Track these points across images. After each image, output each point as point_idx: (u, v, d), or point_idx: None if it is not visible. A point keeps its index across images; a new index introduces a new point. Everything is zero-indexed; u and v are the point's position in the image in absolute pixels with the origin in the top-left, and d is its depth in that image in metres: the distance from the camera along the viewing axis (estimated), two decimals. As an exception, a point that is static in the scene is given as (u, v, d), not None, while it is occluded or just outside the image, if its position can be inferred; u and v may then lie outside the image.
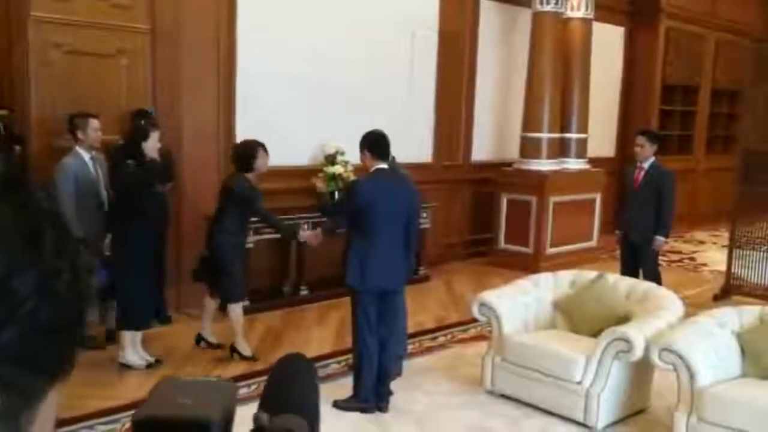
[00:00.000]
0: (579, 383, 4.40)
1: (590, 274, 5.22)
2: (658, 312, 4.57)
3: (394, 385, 4.94)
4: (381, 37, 7.98)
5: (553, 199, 8.68)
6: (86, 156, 5.43)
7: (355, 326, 4.56)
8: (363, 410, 4.52)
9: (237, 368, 5.26)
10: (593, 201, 9.35)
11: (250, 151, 5.34)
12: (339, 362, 5.44)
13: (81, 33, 5.86)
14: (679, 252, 10.19)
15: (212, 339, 5.64)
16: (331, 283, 7.38)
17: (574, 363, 4.42)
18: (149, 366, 5.17)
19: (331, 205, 5.06)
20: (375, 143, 4.52)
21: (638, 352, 4.21)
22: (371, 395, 4.54)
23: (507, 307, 4.89)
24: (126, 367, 5.12)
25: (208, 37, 6.58)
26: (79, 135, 5.37)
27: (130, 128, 5.49)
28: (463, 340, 6.04)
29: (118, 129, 6.08)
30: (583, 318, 4.90)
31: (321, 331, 6.21)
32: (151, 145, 5.08)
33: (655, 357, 4.10)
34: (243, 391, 4.81)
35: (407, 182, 4.85)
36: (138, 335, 5.23)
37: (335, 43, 7.53)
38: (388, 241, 4.46)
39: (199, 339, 5.62)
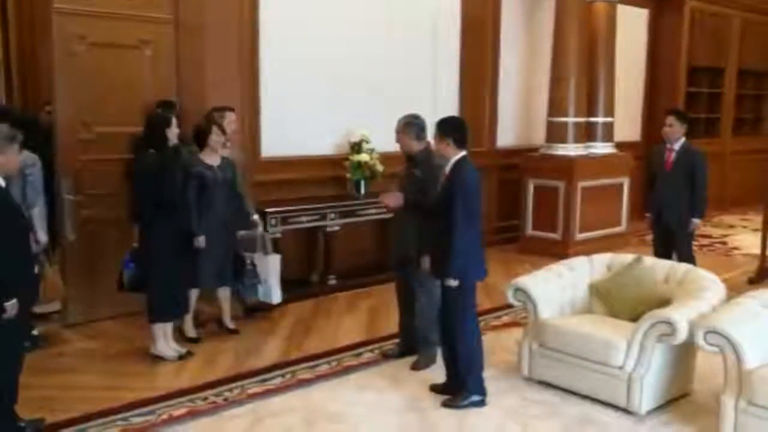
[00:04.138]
0: (620, 368, 4.30)
1: (627, 257, 5.11)
2: (699, 294, 4.46)
3: (429, 373, 4.89)
4: (403, 23, 7.88)
5: (582, 184, 8.54)
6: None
7: (463, 320, 4.39)
8: (477, 404, 4.42)
9: (270, 357, 5.21)
10: (621, 186, 9.20)
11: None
12: (372, 350, 5.38)
13: (104, 24, 5.81)
14: (709, 236, 10.02)
15: (231, 325, 5.70)
16: (359, 272, 7.35)
17: (615, 347, 4.31)
18: (181, 357, 5.13)
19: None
20: (459, 130, 4.37)
21: (681, 335, 4.10)
22: (484, 388, 4.47)
23: (543, 291, 4.80)
24: (158, 358, 5.08)
25: (231, 26, 6.51)
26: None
27: (148, 119, 5.41)
28: (496, 327, 5.95)
29: (143, 120, 6.05)
30: (621, 302, 4.79)
31: (352, 320, 6.14)
32: (174, 132, 5.03)
33: (700, 339, 3.98)
34: (278, 380, 4.78)
35: None
36: (168, 327, 5.19)
37: (357, 30, 7.45)
38: (479, 227, 4.41)
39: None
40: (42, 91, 7.21)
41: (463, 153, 4.37)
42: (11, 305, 3.46)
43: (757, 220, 8.72)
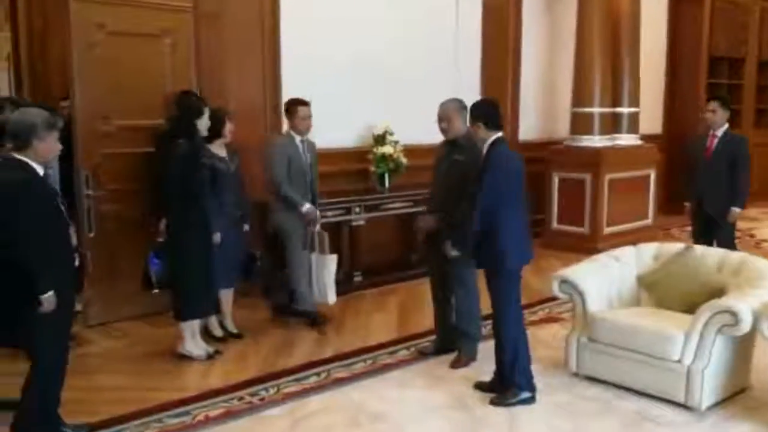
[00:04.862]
0: (678, 361, 4.07)
1: (675, 246, 4.89)
2: (758, 282, 4.23)
3: (470, 371, 4.67)
4: (424, 13, 7.67)
5: (608, 176, 8.32)
6: (297, 138, 5.49)
7: (506, 311, 4.20)
8: (525, 401, 4.19)
9: (302, 356, 4.99)
10: (648, 178, 8.97)
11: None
12: (407, 348, 5.16)
13: (123, 12, 5.60)
14: (738, 229, 9.75)
15: (233, 329, 5.42)
16: (383, 268, 7.13)
17: (672, 340, 4.08)
18: (210, 356, 4.91)
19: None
20: (490, 114, 4.21)
21: (745, 326, 3.88)
22: (533, 384, 4.25)
23: (590, 283, 4.58)
24: (186, 358, 4.87)
25: (252, 15, 6.32)
26: (290, 120, 5.52)
27: (179, 107, 5.21)
28: (533, 323, 5.71)
29: (162, 111, 5.84)
30: (673, 292, 4.57)
31: (382, 318, 5.92)
32: (205, 123, 4.82)
33: (766, 330, 3.77)
34: (313, 379, 4.57)
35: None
36: (197, 325, 4.97)
37: (378, 20, 7.24)
38: (523, 212, 4.27)
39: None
40: (53, 87, 7.01)
41: (497, 134, 4.20)
42: (48, 298, 3.24)
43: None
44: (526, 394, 4.21)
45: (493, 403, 4.21)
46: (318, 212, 5.57)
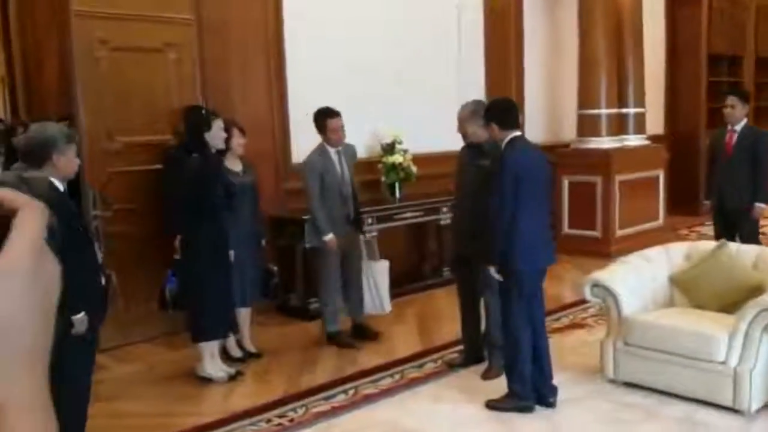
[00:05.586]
0: (723, 363, 3.92)
1: (707, 244, 4.77)
2: (799, 279, 4.11)
3: (503, 381, 4.50)
4: (428, 19, 7.56)
5: (619, 178, 8.20)
6: (331, 151, 5.27)
7: (510, 315, 4.05)
8: (522, 409, 4.04)
9: (325, 374, 4.81)
10: (657, 178, 8.86)
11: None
12: (434, 361, 4.99)
13: (126, 27, 5.45)
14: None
15: (252, 348, 5.21)
16: (396, 279, 6.94)
17: (716, 340, 3.94)
18: (231, 378, 4.72)
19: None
20: (503, 114, 4.09)
21: (794, 323, 3.75)
22: (531, 391, 4.07)
23: (623, 285, 4.43)
24: (206, 380, 4.68)
25: (255, 26, 6.18)
26: (321, 133, 5.30)
27: (188, 123, 5.07)
28: (558, 330, 5.56)
29: (169, 127, 5.69)
30: (708, 292, 4.43)
31: (402, 330, 5.74)
32: (216, 134, 4.65)
33: (816, 326, 3.63)
34: (341, 397, 4.39)
35: (539, 150, 4.38)
36: (215, 346, 4.79)
37: (380, 27, 7.11)
38: (543, 214, 4.12)
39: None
40: (49, 108, 6.82)
41: (514, 134, 4.06)
42: (79, 320, 3.06)
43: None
44: (522, 403, 4.05)
45: (488, 406, 4.09)
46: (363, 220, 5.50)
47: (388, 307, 5.41)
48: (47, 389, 0.52)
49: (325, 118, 5.26)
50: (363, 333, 5.44)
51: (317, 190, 5.16)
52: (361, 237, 5.37)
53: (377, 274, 5.32)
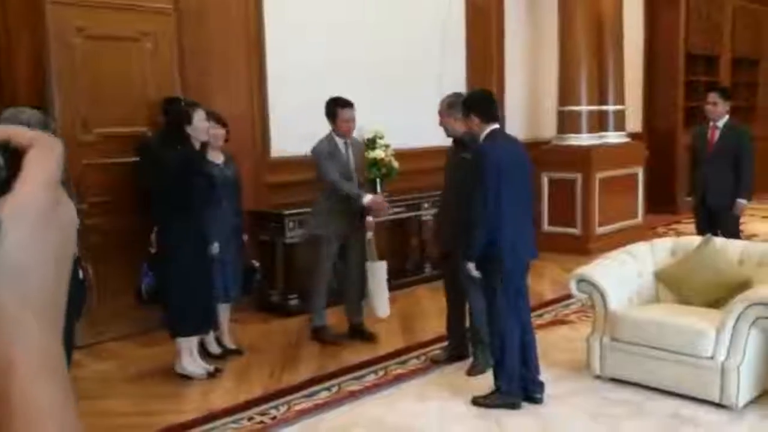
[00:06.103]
0: (711, 358, 3.90)
1: (692, 240, 4.76)
2: (785, 274, 4.10)
3: (488, 377, 4.44)
4: (409, 15, 7.48)
5: (599, 175, 8.19)
6: (340, 141, 5.18)
7: (496, 311, 3.98)
8: (509, 406, 3.97)
9: (307, 370, 4.72)
10: (636, 176, 8.88)
11: None
12: (417, 357, 4.91)
13: (101, 15, 5.30)
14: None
15: (231, 345, 5.09)
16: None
17: (703, 336, 3.91)
18: (210, 375, 4.60)
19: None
20: (480, 104, 4.02)
21: (782, 317, 3.73)
22: (518, 388, 4.01)
23: (609, 281, 4.39)
24: (185, 377, 4.55)
25: (235, 16, 6.04)
26: (331, 122, 5.19)
27: (167, 116, 4.93)
28: (541, 326, 5.51)
29: (145, 119, 5.55)
30: (695, 288, 4.41)
31: (385, 326, 5.64)
32: (198, 126, 4.52)
33: (805, 321, 3.62)
34: (324, 394, 4.30)
35: (519, 143, 4.31)
36: (194, 342, 4.67)
37: (362, 23, 7.01)
38: (525, 207, 4.06)
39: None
40: (20, 98, 6.63)
41: (493, 126, 3.99)
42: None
43: (763, 207, 8.54)
44: (510, 399, 3.99)
45: (475, 402, 4.03)
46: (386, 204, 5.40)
47: (386, 310, 5.24)
48: (62, 352, 0.47)
49: (336, 107, 5.15)
50: (360, 335, 5.30)
51: (331, 167, 5.03)
52: (367, 236, 5.21)
53: (375, 275, 5.18)
